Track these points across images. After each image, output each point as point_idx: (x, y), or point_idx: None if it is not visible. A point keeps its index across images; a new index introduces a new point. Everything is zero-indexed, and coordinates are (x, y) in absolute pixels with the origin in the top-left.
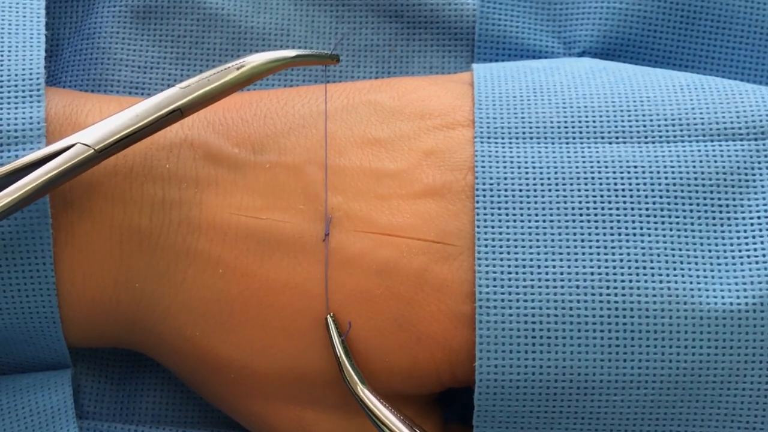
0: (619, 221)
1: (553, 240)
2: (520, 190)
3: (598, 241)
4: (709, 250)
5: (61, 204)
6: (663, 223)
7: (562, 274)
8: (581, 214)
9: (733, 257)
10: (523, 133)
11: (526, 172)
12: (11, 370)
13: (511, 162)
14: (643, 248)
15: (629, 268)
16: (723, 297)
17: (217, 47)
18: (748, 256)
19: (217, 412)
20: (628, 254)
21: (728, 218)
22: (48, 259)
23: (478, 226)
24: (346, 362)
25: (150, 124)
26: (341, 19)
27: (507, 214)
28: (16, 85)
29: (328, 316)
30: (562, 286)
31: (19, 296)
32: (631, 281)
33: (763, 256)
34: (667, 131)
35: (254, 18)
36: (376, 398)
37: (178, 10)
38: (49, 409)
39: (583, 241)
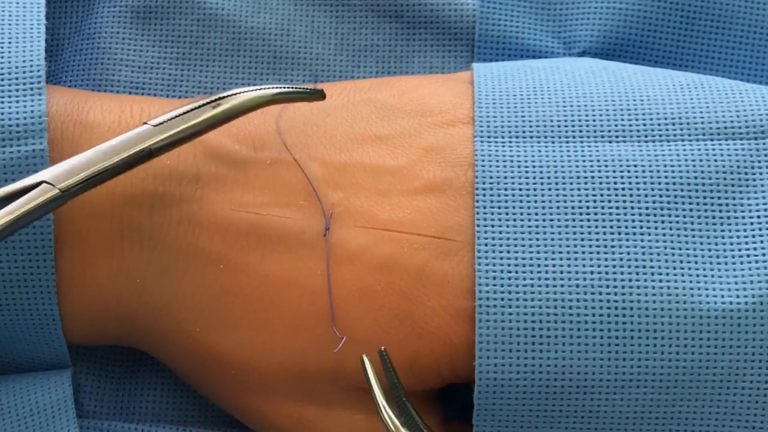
0: (618, 220)
1: (552, 239)
2: (520, 189)
3: (597, 240)
4: (709, 250)
5: None
6: (663, 222)
7: (561, 273)
8: (581, 213)
9: (733, 257)
10: (523, 131)
11: (526, 171)
12: (11, 370)
13: (511, 161)
14: (642, 247)
15: (629, 267)
16: (723, 296)
17: (217, 47)
18: (748, 256)
19: (217, 410)
20: (628, 253)
21: (728, 218)
22: (49, 256)
23: (478, 225)
24: (385, 406)
25: (117, 164)
26: (341, 19)
27: (507, 213)
28: (16, 78)
29: (364, 356)
30: (562, 285)
31: (19, 293)
32: (630, 280)
33: (763, 255)
34: (667, 130)
35: (254, 18)
36: None
37: (178, 10)
38: (49, 408)
39: (582, 240)
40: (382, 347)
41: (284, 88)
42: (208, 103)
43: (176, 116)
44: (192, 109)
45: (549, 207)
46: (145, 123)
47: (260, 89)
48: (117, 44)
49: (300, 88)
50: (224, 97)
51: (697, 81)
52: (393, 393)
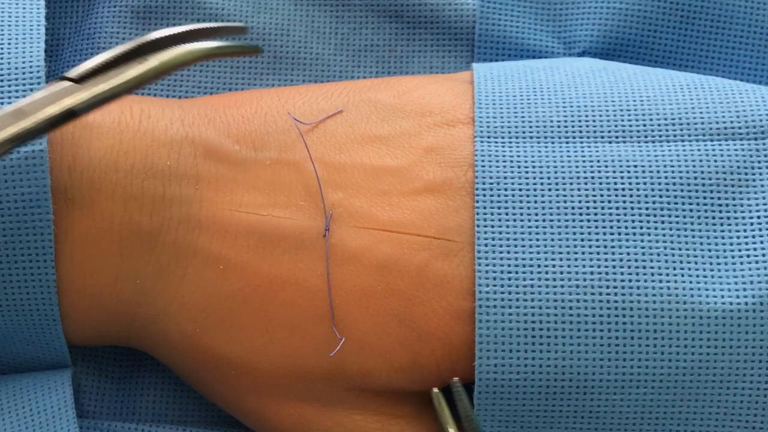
0: (618, 221)
1: (552, 239)
2: (520, 190)
3: (597, 240)
4: (709, 250)
5: (62, 200)
6: (663, 222)
7: (561, 273)
8: (581, 214)
9: (733, 257)
10: (523, 132)
11: (526, 172)
12: (11, 370)
13: (511, 161)
14: (642, 248)
15: (629, 267)
16: (723, 297)
17: None
18: (748, 256)
19: (217, 410)
20: (628, 254)
21: (728, 218)
22: (49, 256)
23: (478, 225)
24: None
25: (39, 125)
26: (341, 19)
27: (507, 213)
28: (16, 79)
29: (435, 389)
30: (562, 286)
31: (20, 293)
32: (630, 281)
33: (763, 256)
34: (667, 131)
35: (254, 18)
36: None
37: (178, 10)
38: (49, 408)
39: (582, 240)
40: (456, 378)
41: (220, 42)
42: (132, 50)
43: (98, 67)
44: (115, 57)
45: (549, 207)
46: (63, 76)
47: (193, 44)
48: (117, 44)
49: (234, 43)
50: (148, 42)
51: (697, 81)
52: (466, 426)
